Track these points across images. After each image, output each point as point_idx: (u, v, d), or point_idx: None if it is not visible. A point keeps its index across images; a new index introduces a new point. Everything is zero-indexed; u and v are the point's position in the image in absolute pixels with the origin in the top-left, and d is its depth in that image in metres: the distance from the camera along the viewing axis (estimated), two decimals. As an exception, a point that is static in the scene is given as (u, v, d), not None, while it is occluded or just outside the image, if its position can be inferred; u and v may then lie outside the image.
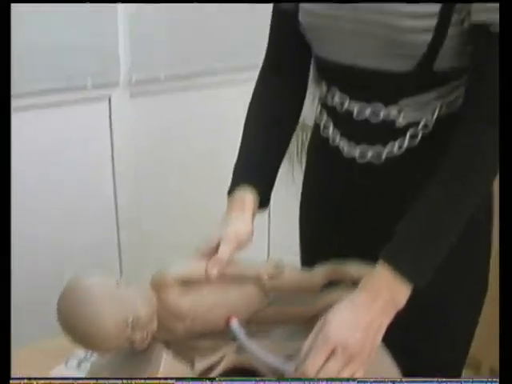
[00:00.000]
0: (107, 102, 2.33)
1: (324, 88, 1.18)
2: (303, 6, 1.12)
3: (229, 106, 2.31)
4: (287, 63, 1.25)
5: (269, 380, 0.91)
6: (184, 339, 1.00)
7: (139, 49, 2.34)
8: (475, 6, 0.96)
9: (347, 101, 1.13)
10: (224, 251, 1.01)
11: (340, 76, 1.14)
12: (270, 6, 1.25)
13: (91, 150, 2.32)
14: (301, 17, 1.13)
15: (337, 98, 1.15)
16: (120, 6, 2.24)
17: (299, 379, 0.91)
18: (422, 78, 1.06)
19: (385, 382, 0.91)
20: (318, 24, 1.11)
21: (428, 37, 0.99)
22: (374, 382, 0.92)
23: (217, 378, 0.89)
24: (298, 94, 1.28)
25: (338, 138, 1.17)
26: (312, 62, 1.23)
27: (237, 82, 2.42)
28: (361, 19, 1.04)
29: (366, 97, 1.11)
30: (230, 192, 1.14)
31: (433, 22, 0.98)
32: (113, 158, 2.37)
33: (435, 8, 0.98)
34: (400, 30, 1.00)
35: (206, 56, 2.47)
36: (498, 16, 0.94)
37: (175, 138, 2.47)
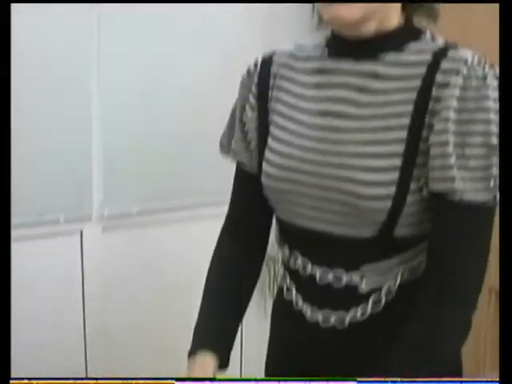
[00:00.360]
0: (79, 235, 2.35)
1: (286, 251, 1.18)
2: (265, 169, 1.14)
3: (199, 240, 2.35)
4: (248, 225, 1.26)
5: (269, 380, 0.92)
6: None
7: (112, 184, 2.43)
8: (432, 175, 0.98)
9: (309, 265, 1.13)
10: None
11: (302, 240, 1.14)
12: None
13: (62, 284, 2.30)
14: (263, 179, 1.15)
15: (299, 262, 1.15)
16: (95, 135, 2.35)
17: (299, 379, 0.91)
18: (383, 244, 1.05)
19: (385, 382, 0.91)
20: (279, 188, 1.12)
21: (387, 204, 1.00)
22: (373, 382, 0.92)
23: (217, 378, 0.90)
24: (257, 255, 1.29)
25: (300, 301, 1.16)
26: (275, 223, 1.23)
27: (207, 216, 2.47)
28: (322, 185, 1.06)
29: (328, 262, 1.10)
30: (191, 354, 1.14)
31: (391, 190, 1.00)
32: (83, 292, 2.34)
33: (394, 176, 1.00)
34: (360, 197, 1.02)
35: (178, 191, 2.56)
36: (455, 185, 0.96)
37: (146, 271, 2.48)
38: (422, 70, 1.01)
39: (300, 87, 1.13)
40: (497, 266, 0.93)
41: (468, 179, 0.96)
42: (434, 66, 1.00)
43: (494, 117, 0.96)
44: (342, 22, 1.02)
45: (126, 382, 0.85)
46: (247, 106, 1.19)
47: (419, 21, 1.09)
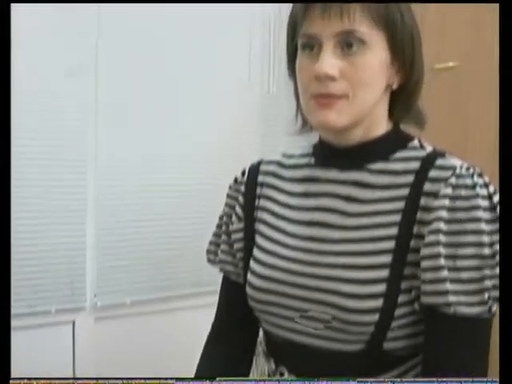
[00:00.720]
0: (71, 325, 2.37)
1: (273, 365, 1.13)
2: (250, 279, 1.11)
3: (189, 329, 2.38)
4: (234, 334, 1.22)
5: (269, 380, 0.91)
6: None
7: (105, 275, 2.51)
8: (424, 288, 0.95)
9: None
10: None
11: (288, 353, 1.09)
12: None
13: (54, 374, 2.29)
14: (247, 290, 1.11)
15: (286, 377, 1.09)
16: (89, 228, 2.42)
17: (299, 379, 0.91)
18: (372, 358, 1.00)
19: (385, 382, 0.91)
20: (263, 299, 1.08)
21: (375, 317, 0.96)
22: (373, 381, 0.91)
23: (217, 378, 0.88)
24: (242, 363, 1.23)
25: None
26: (261, 334, 1.20)
27: (197, 307, 2.54)
28: (307, 298, 1.02)
29: (315, 376, 1.01)
30: None
31: (379, 303, 0.96)
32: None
33: (381, 288, 0.97)
34: (345, 310, 0.98)
35: (171, 282, 2.64)
36: (448, 299, 0.93)
37: (139, 361, 2.47)
38: (410, 179, 1.00)
39: (286, 196, 1.12)
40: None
41: (461, 292, 0.93)
42: (421, 175, 0.99)
43: (485, 227, 0.93)
44: (331, 129, 1.01)
45: (125, 382, 0.84)
46: (234, 217, 1.18)
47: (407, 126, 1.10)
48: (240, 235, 1.17)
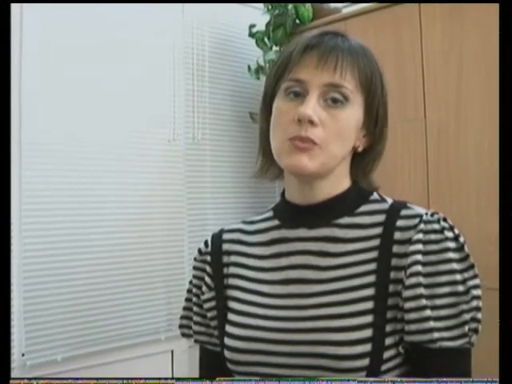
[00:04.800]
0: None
1: None
2: (229, 343, 1.10)
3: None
4: None
5: (269, 380, 0.90)
6: None
7: (33, 333, 2.42)
8: (409, 328, 0.99)
9: None
10: None
11: None
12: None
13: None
14: (227, 354, 1.10)
15: None
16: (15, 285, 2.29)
17: (299, 379, 0.91)
18: None
19: (385, 382, 0.91)
20: (246, 360, 1.07)
21: (365, 362, 0.98)
22: (373, 382, 0.92)
23: (217, 378, 0.88)
24: None
25: None
26: None
27: (129, 360, 2.48)
28: (293, 352, 1.02)
29: None
30: None
31: (367, 348, 0.98)
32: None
33: (368, 333, 0.99)
34: (336, 357, 0.98)
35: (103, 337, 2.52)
36: (432, 336, 0.97)
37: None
38: (379, 230, 1.05)
39: (256, 260, 1.13)
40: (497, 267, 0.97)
41: (443, 329, 0.98)
42: (389, 225, 1.04)
43: (457, 266, 0.99)
44: (302, 172, 1.03)
45: (126, 382, 0.83)
46: (204, 287, 1.18)
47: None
48: (212, 304, 1.16)
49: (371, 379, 0.92)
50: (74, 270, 2.57)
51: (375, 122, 1.08)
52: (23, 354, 2.37)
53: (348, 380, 0.91)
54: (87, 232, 2.63)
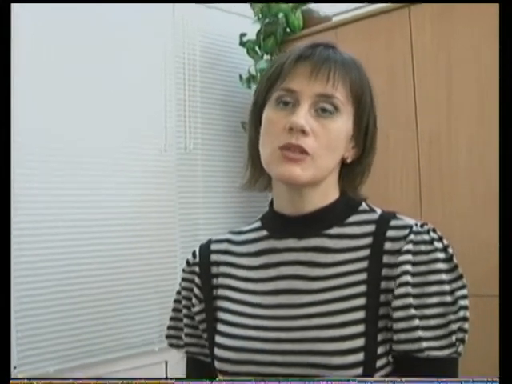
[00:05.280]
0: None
1: None
2: (220, 354, 1.08)
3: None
4: None
5: (269, 380, 0.91)
6: None
7: (25, 346, 2.39)
8: (398, 337, 0.99)
9: None
10: None
11: None
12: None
13: None
14: (218, 365, 1.08)
15: None
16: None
17: (299, 379, 0.90)
18: None
19: (385, 382, 0.91)
20: (238, 371, 1.06)
21: (358, 371, 0.98)
22: (374, 381, 0.92)
23: (217, 378, 0.89)
24: None
25: None
26: None
27: (122, 371, 2.48)
28: (285, 362, 1.02)
29: None
30: None
31: (360, 357, 0.98)
32: None
33: (360, 342, 0.99)
34: (329, 367, 0.98)
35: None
36: (421, 345, 0.98)
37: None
38: (369, 240, 1.05)
39: (245, 270, 1.13)
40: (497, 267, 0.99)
41: (431, 338, 0.98)
42: (379, 236, 1.04)
43: (445, 276, 1.00)
44: (294, 182, 1.03)
45: (126, 381, 0.84)
46: (194, 299, 1.16)
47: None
48: (203, 316, 1.15)
49: (371, 379, 0.92)
50: (67, 282, 2.55)
51: (365, 133, 1.08)
52: (15, 367, 2.35)
53: (348, 380, 0.91)
54: (79, 244, 2.61)
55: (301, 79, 1.03)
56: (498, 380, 0.88)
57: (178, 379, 0.84)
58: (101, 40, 2.73)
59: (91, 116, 2.67)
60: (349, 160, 1.09)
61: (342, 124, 1.04)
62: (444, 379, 0.91)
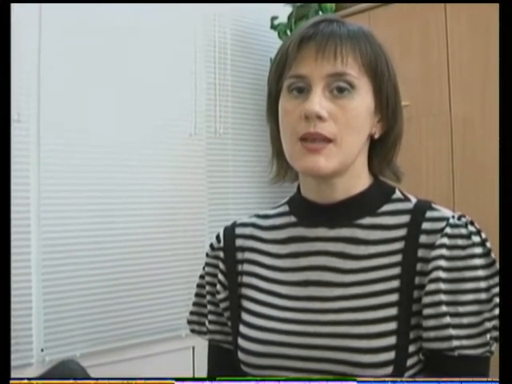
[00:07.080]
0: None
1: None
2: (243, 345, 1.05)
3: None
4: None
5: (269, 380, 0.89)
6: None
7: (52, 327, 2.42)
8: (428, 335, 0.96)
9: None
10: None
11: None
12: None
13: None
14: (241, 356, 1.06)
15: None
16: (34, 280, 2.29)
17: (299, 379, 0.89)
18: None
19: (385, 382, 0.89)
20: (262, 364, 1.03)
21: (388, 370, 0.95)
22: (373, 381, 0.90)
23: (217, 378, 0.86)
24: None
25: None
26: None
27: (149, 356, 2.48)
28: (311, 357, 0.99)
29: None
30: None
31: (391, 356, 0.95)
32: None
33: (391, 341, 0.96)
34: (358, 365, 0.95)
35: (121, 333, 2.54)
36: (452, 344, 0.95)
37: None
38: (403, 232, 1.00)
39: (271, 258, 1.09)
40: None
41: (464, 337, 0.95)
42: (414, 228, 1.00)
43: (482, 272, 0.96)
44: (319, 174, 0.99)
45: (126, 381, 0.82)
46: (218, 286, 1.13)
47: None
48: (227, 303, 1.12)
49: (371, 379, 0.90)
50: (94, 266, 2.56)
51: (387, 104, 1.02)
52: (42, 350, 2.37)
53: (348, 380, 0.88)
54: (107, 227, 2.62)
55: (308, 62, 0.98)
56: (498, 380, 0.86)
57: (177, 379, 0.83)
58: (130, 24, 2.71)
59: (120, 103, 2.66)
60: (377, 135, 1.04)
61: (361, 100, 0.99)
62: (444, 379, 0.88)
